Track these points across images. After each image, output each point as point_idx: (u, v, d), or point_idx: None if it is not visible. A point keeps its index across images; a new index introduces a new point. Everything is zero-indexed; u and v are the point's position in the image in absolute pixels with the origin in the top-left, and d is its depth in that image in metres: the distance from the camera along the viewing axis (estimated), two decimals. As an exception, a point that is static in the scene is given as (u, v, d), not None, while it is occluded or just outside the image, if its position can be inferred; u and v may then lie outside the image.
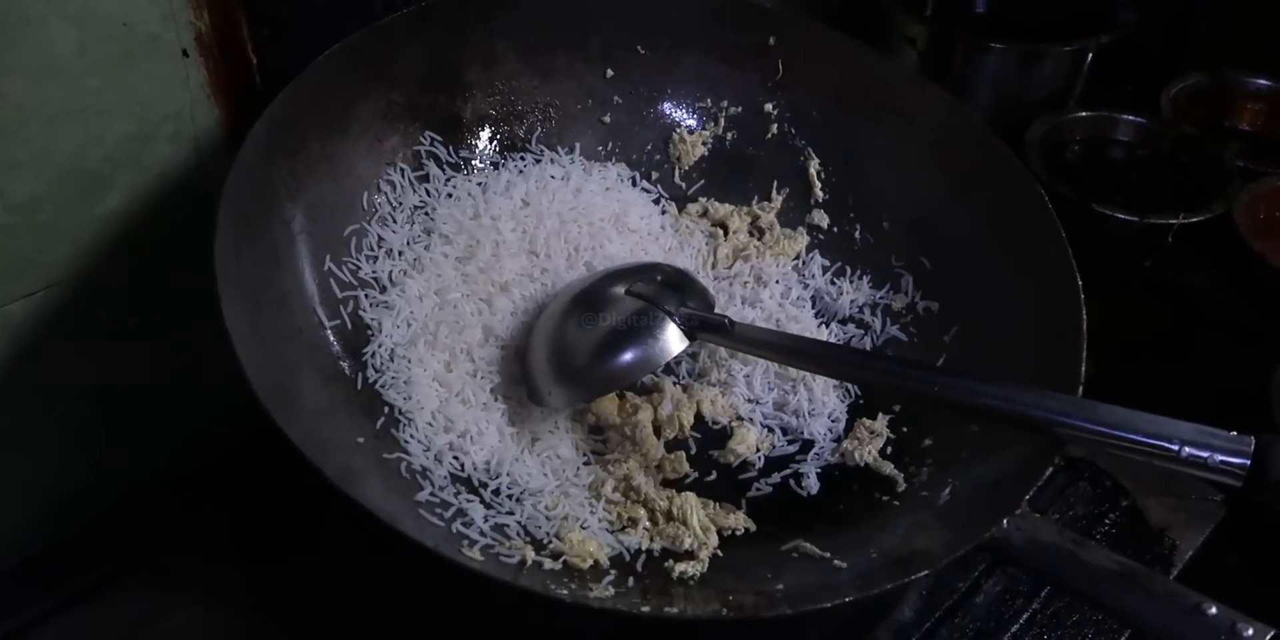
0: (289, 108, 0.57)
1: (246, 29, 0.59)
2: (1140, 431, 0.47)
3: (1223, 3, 0.99)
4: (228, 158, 0.61)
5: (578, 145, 0.71)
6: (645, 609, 0.47)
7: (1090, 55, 0.88)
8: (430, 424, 0.58)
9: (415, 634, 0.61)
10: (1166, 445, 0.45)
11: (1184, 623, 0.42)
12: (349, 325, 0.60)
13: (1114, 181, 0.84)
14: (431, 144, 0.67)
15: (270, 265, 0.56)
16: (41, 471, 0.64)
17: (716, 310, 0.63)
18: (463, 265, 0.64)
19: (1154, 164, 0.86)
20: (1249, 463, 0.44)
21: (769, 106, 0.73)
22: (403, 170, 0.65)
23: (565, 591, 0.49)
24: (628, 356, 0.58)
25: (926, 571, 0.46)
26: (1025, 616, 0.60)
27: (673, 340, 0.58)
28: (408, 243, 0.64)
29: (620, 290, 0.61)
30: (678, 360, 0.64)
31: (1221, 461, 0.44)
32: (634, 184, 0.72)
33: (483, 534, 0.53)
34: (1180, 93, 0.91)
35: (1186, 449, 0.45)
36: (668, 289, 0.61)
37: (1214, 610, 0.42)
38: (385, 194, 0.64)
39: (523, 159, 0.70)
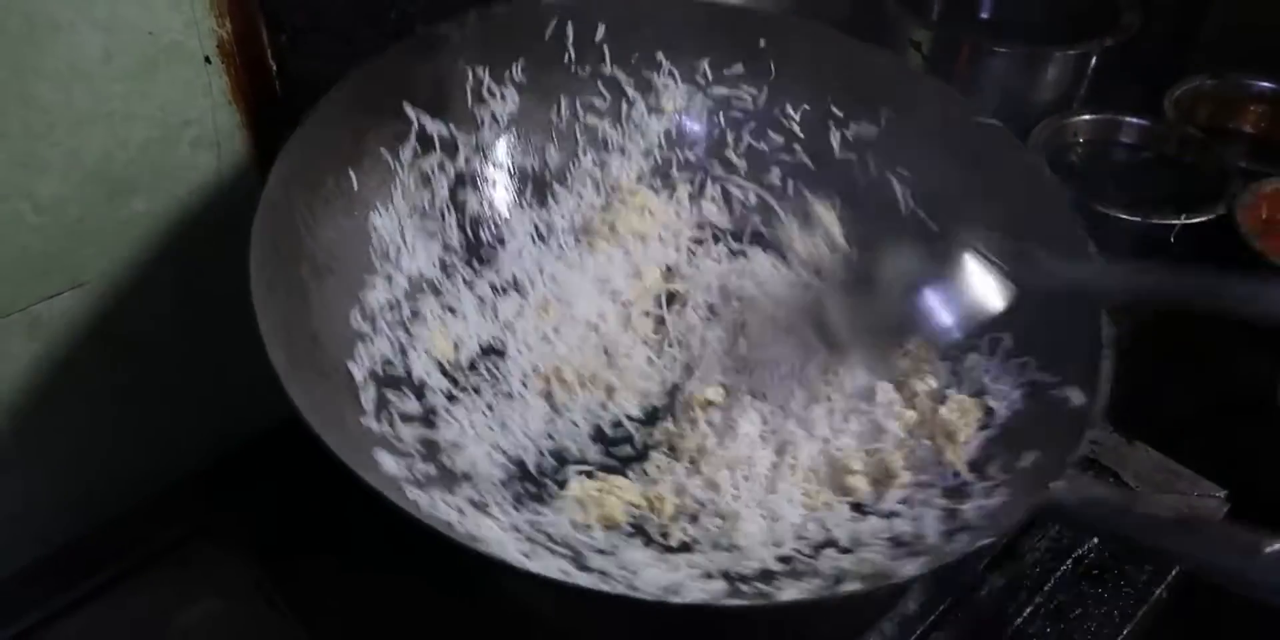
0: (304, 143, 0.58)
1: (266, 36, 0.60)
2: None
3: (1227, 5, 1.00)
4: (248, 160, 0.63)
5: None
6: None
7: (1094, 58, 0.89)
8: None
9: (433, 629, 0.62)
10: None
11: (1245, 562, 0.42)
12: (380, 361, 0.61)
13: (1117, 183, 0.85)
14: (447, 172, 0.67)
15: (300, 301, 0.57)
16: (66, 467, 0.65)
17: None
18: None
19: (1157, 165, 0.87)
20: None
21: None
22: (420, 199, 0.66)
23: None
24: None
25: (990, 539, 0.47)
26: (1029, 610, 0.61)
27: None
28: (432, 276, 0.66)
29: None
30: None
31: None
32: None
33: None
34: (1184, 95, 0.92)
35: None
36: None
37: (1273, 547, 0.42)
38: (402, 225, 0.65)
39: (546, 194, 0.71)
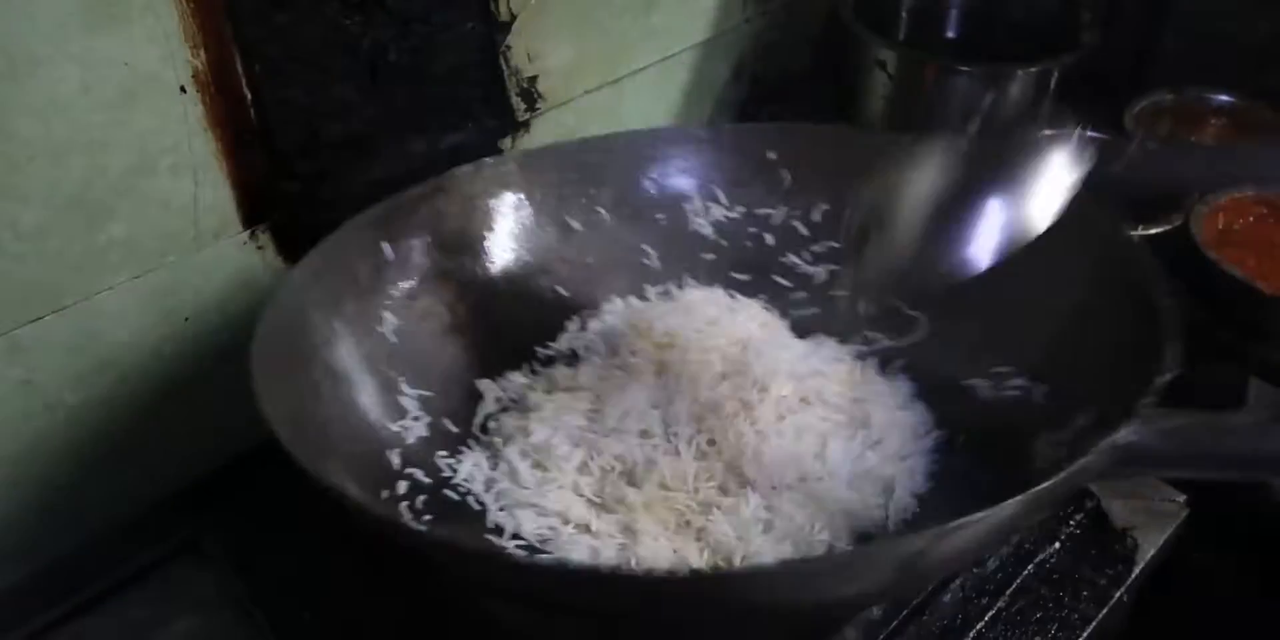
0: (320, 267, 0.62)
1: (241, 66, 0.62)
2: None
3: (1184, 22, 1.03)
4: (224, 186, 0.65)
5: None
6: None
7: (1055, 75, 0.91)
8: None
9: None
10: None
11: None
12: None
13: (1078, 196, 0.87)
14: (466, 300, 0.70)
15: (313, 401, 0.58)
16: (47, 488, 0.66)
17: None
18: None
19: (1117, 178, 0.89)
20: None
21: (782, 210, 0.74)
22: (441, 323, 0.68)
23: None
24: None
25: (1057, 479, 0.44)
26: (990, 614, 0.62)
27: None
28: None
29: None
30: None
31: None
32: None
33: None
34: (1144, 110, 0.94)
35: None
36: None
37: None
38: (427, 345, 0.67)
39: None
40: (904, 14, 1.03)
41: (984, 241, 0.49)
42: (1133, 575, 0.65)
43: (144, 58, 0.58)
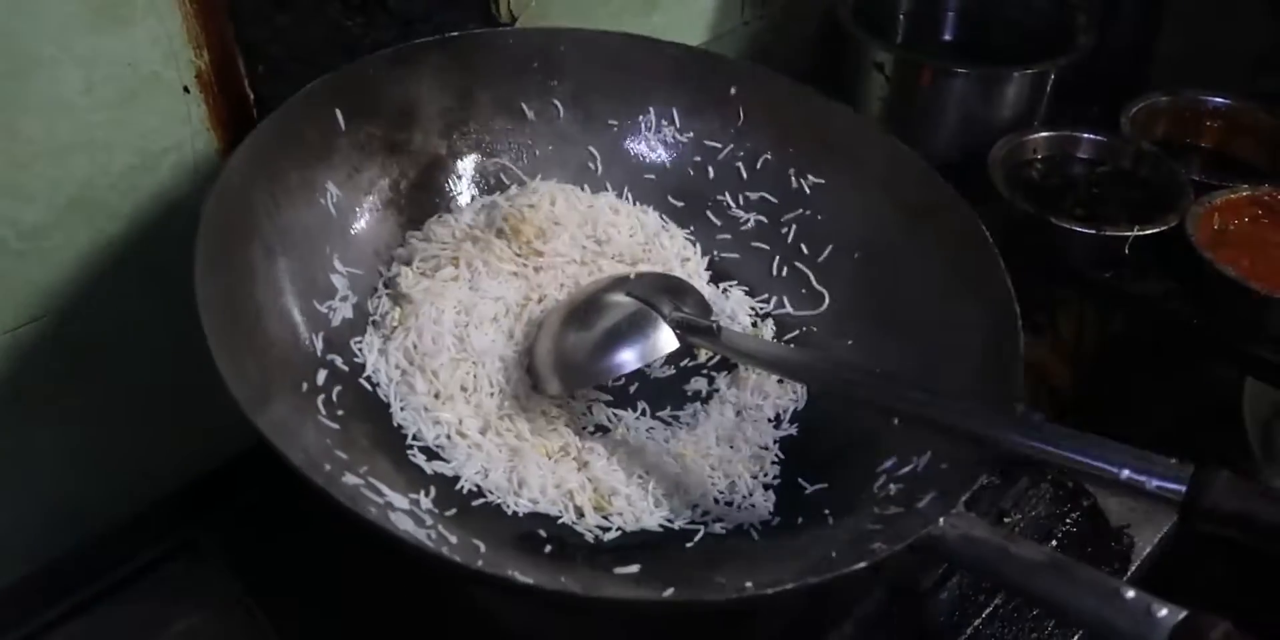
0: (270, 136, 0.61)
1: (243, 66, 0.63)
2: (1087, 454, 0.49)
3: (1180, 24, 1.03)
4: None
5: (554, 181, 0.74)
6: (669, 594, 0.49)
7: (1052, 77, 0.92)
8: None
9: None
10: (1108, 467, 0.48)
11: (1104, 607, 0.44)
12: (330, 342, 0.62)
13: (1074, 197, 0.87)
14: (408, 175, 0.70)
15: (248, 281, 0.59)
16: (48, 488, 0.66)
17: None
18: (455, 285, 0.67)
19: (1113, 179, 0.90)
20: (1185, 490, 0.46)
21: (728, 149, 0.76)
22: (381, 198, 0.69)
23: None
24: (620, 352, 0.62)
25: (864, 564, 0.48)
26: (988, 611, 0.62)
27: (664, 340, 0.63)
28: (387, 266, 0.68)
29: (622, 294, 0.66)
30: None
31: (1158, 487, 0.46)
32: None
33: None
34: (1140, 112, 0.94)
35: (1126, 472, 0.47)
36: (664, 293, 0.66)
37: (1131, 594, 0.44)
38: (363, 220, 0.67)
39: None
40: (901, 16, 1.04)
41: None
42: (1129, 572, 0.65)
43: (147, 58, 0.58)
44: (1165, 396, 1.00)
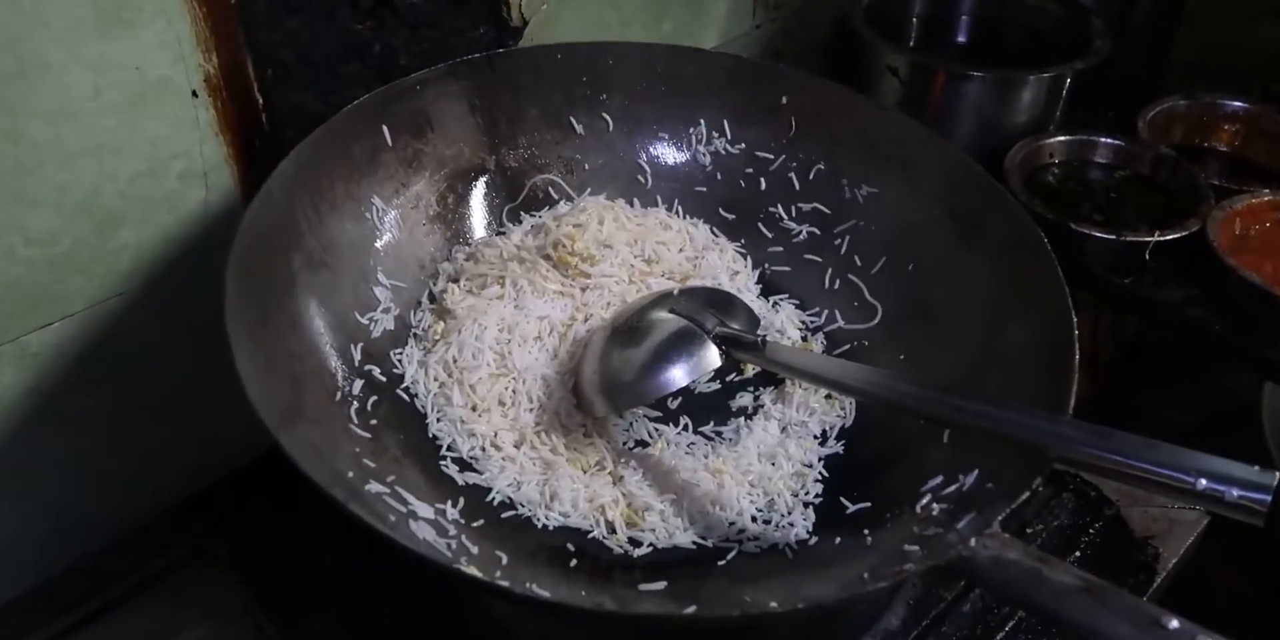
0: (316, 149, 0.61)
1: (252, 70, 0.62)
2: (1157, 462, 0.44)
3: (1197, 28, 1.02)
4: (235, 192, 0.65)
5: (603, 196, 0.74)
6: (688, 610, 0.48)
7: (1068, 81, 0.91)
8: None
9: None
10: (1183, 477, 0.43)
11: (1144, 637, 0.41)
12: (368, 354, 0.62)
13: (1093, 202, 0.86)
14: (455, 190, 0.70)
15: (285, 290, 0.58)
16: (57, 497, 0.66)
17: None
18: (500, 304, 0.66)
19: (1132, 184, 0.88)
20: (1270, 500, 0.42)
21: (780, 159, 0.75)
22: (427, 213, 0.68)
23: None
24: (665, 371, 0.61)
25: (885, 584, 0.47)
26: (1010, 624, 0.61)
27: (709, 357, 0.61)
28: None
29: (666, 311, 0.64)
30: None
31: (1241, 497, 0.42)
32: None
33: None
34: (1158, 115, 0.93)
35: (1203, 482, 0.43)
36: (709, 309, 0.64)
37: (1175, 624, 0.41)
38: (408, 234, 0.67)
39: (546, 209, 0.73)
40: (915, 20, 1.03)
41: None
42: (1154, 585, 0.64)
43: (155, 62, 0.57)
44: (1182, 401, 0.99)
